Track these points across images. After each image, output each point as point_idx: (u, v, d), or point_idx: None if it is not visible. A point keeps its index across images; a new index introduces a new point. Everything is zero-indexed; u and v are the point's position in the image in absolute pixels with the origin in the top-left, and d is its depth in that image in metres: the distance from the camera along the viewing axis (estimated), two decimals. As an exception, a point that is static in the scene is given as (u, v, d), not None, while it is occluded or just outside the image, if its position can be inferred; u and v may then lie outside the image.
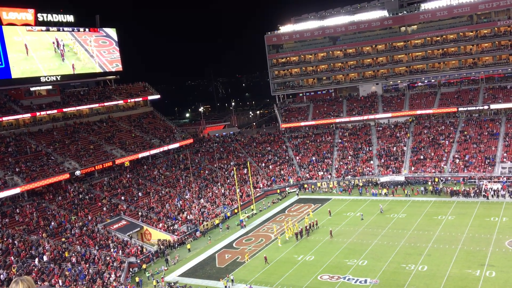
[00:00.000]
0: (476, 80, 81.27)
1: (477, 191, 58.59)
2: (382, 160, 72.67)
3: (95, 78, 76.37)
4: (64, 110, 67.94)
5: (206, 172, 73.89)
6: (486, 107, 74.82)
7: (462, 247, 43.14)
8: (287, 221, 56.03)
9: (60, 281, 40.52)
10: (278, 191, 70.56)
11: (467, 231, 46.97)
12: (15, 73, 62.12)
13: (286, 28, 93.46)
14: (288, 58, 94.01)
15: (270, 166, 77.39)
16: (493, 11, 78.85)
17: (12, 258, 42.63)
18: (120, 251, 48.14)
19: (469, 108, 76.24)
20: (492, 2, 77.53)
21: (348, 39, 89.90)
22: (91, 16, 76.13)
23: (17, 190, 51.00)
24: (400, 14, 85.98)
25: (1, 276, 39.60)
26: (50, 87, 67.97)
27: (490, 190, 57.99)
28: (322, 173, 73.61)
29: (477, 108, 75.60)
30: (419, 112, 79.49)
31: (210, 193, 67.03)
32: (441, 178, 65.21)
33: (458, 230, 47.47)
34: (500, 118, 73.21)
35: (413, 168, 69.34)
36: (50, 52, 67.14)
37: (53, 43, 67.19)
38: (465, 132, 72.77)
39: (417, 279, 37.53)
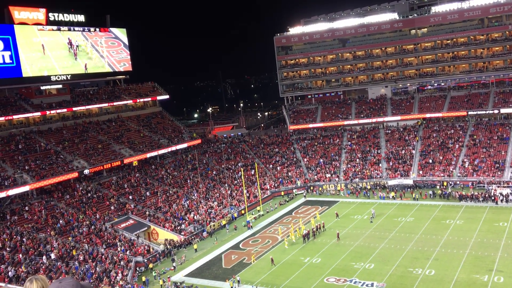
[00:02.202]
0: (486, 84, 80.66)
1: (486, 195, 58.15)
2: (391, 163, 72.34)
3: (105, 77, 76.84)
4: (74, 109, 68.41)
5: (214, 172, 74.00)
6: (496, 111, 74.24)
7: (470, 252, 42.82)
8: (294, 223, 55.99)
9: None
10: (282, 193, 70.43)
11: (475, 236, 46.62)
12: (33, 71, 62.95)
13: (295, 30, 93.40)
14: (297, 60, 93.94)
15: (278, 168, 77.34)
16: (504, 14, 78.27)
17: (20, 255, 42.95)
18: (128, 250, 48.33)
19: (479, 112, 75.71)
20: (503, 5, 76.98)
21: (357, 41, 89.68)
22: (102, 16, 76.75)
23: (26, 188, 51.40)
24: (410, 17, 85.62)
25: (9, 273, 39.90)
26: (60, 86, 68.52)
27: (500, 195, 57.52)
28: (329, 175, 73.43)
29: (487, 112, 75.04)
30: (428, 115, 79.08)
31: (217, 194, 67.11)
32: (450, 182, 64.80)
33: (467, 235, 47.13)
34: (510, 123, 72.58)
35: (421, 172, 68.97)
36: (64, 52, 67.88)
37: (68, 43, 67.85)
38: (475, 136, 72.25)
39: (424, 283, 37.31)
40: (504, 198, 57.00)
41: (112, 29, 75.91)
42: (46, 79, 65.26)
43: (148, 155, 68.05)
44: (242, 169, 70.39)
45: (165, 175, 69.07)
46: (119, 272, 43.03)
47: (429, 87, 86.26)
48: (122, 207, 57.35)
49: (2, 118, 59.28)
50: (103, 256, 45.94)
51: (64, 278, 4.59)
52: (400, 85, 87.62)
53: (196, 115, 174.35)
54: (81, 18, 70.18)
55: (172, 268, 46.66)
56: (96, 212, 54.44)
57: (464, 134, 73.85)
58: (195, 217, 58.78)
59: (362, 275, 40.00)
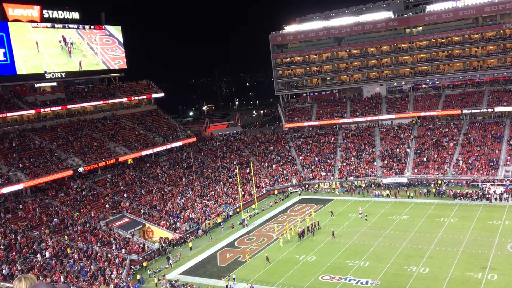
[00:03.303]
0: (480, 83, 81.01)
1: (480, 194, 58.43)
2: (385, 162, 72.55)
3: (99, 75, 76.48)
4: (68, 107, 68.10)
5: (209, 170, 73.96)
6: (490, 109, 74.61)
7: (464, 249, 43.06)
8: (289, 221, 56.10)
9: (62, 277, 40.66)
10: (276, 192, 70.36)
11: (469, 234, 46.87)
12: (27, 68, 62.54)
13: (291, 28, 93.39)
14: (292, 58, 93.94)
15: (273, 166, 77.39)
16: (499, 13, 78.57)
17: (14, 253, 42.78)
18: (122, 249, 48.24)
19: (473, 111, 76.05)
20: (498, 4, 77.28)
21: (353, 39, 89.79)
22: (96, 13, 76.31)
23: (20, 186, 51.18)
24: (405, 15, 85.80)
25: (3, 271, 39.75)
26: (54, 83, 68.20)
27: (494, 193, 57.81)
28: (324, 173, 73.55)
29: (482, 110, 75.39)
30: (423, 113, 79.34)
31: (213, 192, 67.07)
32: (444, 181, 65.07)
33: (461, 233, 47.36)
34: (504, 121, 72.95)
35: (416, 170, 69.21)
36: (59, 49, 67.53)
37: (60, 41, 67.42)
38: (469, 135, 72.58)
39: (419, 281, 37.47)
40: (498, 196, 57.32)
41: (107, 26, 75.59)
42: (40, 77, 64.91)
43: (143, 153, 67.92)
44: (237, 167, 70.41)
45: (160, 173, 68.96)
46: (114, 270, 42.95)
47: (424, 85, 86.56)
48: (117, 205, 57.23)
49: (-4, 116, 59.03)
50: (97, 254, 45.84)
51: (38, 283, 4.54)
52: (395, 84, 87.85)
53: (191, 113, 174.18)
54: (75, 15, 69.81)
55: (167, 266, 46.62)
56: (90, 210, 54.29)
57: (459, 132, 74.16)
58: (190, 215, 58.74)
59: (356, 273, 40.13)
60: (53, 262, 42.97)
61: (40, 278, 39.65)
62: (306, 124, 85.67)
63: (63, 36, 67.89)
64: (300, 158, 78.92)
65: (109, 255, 46.00)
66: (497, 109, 74.18)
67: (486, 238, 45.23)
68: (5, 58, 60.08)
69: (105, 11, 75.95)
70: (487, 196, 57.71)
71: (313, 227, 52.33)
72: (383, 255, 43.53)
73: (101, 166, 61.89)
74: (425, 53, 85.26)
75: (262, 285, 40.01)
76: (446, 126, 76.46)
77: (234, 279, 40.93)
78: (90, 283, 40.59)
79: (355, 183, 69.76)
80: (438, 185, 64.35)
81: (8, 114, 60.46)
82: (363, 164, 73.35)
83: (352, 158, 75.60)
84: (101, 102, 72.92)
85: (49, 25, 66.14)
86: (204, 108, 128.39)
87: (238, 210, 62.45)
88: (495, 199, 57.25)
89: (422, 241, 46.24)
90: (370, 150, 76.33)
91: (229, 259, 47.03)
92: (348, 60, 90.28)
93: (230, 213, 62.05)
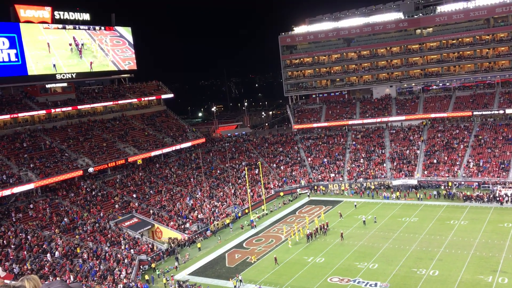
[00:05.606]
0: (491, 84, 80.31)
1: (491, 196, 57.92)
2: (395, 163, 72.16)
3: (110, 76, 76.97)
4: (79, 107, 68.62)
5: (218, 171, 74.05)
6: (501, 111, 73.91)
7: (474, 252, 42.68)
8: (297, 223, 55.99)
9: (71, 276, 40.92)
10: (281, 194, 70.20)
11: (480, 237, 46.45)
12: (38, 69, 63.11)
13: (300, 29, 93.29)
14: (301, 59, 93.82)
15: (282, 167, 77.31)
16: (510, 14, 77.84)
17: (25, 253, 43.16)
18: (132, 249, 48.45)
19: (484, 112, 75.40)
20: (509, 5, 76.57)
21: (362, 41, 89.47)
22: (107, 14, 76.91)
23: (31, 186, 51.61)
24: (415, 16, 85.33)
25: (14, 270, 40.12)
26: (65, 84, 68.74)
27: (505, 195, 57.26)
28: (333, 175, 73.33)
29: (492, 112, 74.72)
30: (433, 115, 78.82)
31: (221, 193, 67.15)
32: (455, 183, 64.58)
33: (471, 236, 46.96)
34: (516, 123, 72.23)
35: (426, 172, 68.76)
36: (70, 50, 68.04)
37: (70, 44, 67.91)
38: (480, 137, 71.97)
39: (428, 284, 37.20)
40: (509, 199, 56.75)
41: (117, 27, 76.07)
42: (51, 78, 65.48)
43: (153, 153, 68.19)
44: (246, 168, 70.41)
45: (169, 173, 69.19)
46: (123, 270, 43.16)
47: (434, 87, 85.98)
48: (126, 206, 57.50)
49: (8, 116, 59.61)
50: (107, 254, 46.09)
51: (52, 282, 4.57)
52: (405, 85, 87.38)
53: (200, 114, 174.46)
54: (86, 16, 70.37)
55: (176, 266, 46.73)
56: (100, 210, 54.60)
57: (469, 134, 73.56)
58: (199, 216, 58.86)
59: (365, 275, 39.94)
60: (62, 261, 43.28)
61: (50, 278, 39.97)
62: (315, 125, 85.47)
63: (74, 37, 68.43)
64: (309, 159, 78.75)
65: (118, 255, 46.24)
66: (508, 111, 73.47)
67: (497, 241, 44.78)
68: (16, 59, 60.68)
69: (115, 12, 76.57)
70: (498, 198, 57.17)
71: (321, 228, 52.17)
72: (392, 257, 43.28)
73: (110, 166, 62.21)
74: (435, 54, 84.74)
75: (271, 286, 39.97)
76: (457, 128, 75.90)
77: (241, 280, 40.89)
78: (99, 283, 40.79)
79: (364, 184, 69.46)
80: (449, 187, 63.88)
81: (19, 115, 61.06)
82: (372, 166, 73.02)
83: (362, 159, 75.29)
84: (111, 103, 73.37)
85: (60, 26, 66.69)
86: (213, 109, 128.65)
87: (246, 211, 62.45)
88: (506, 201, 56.69)
89: (432, 243, 45.92)
90: (380, 152, 75.97)
91: (237, 260, 47.05)
92: (357, 61, 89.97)
93: (239, 214, 62.08)
